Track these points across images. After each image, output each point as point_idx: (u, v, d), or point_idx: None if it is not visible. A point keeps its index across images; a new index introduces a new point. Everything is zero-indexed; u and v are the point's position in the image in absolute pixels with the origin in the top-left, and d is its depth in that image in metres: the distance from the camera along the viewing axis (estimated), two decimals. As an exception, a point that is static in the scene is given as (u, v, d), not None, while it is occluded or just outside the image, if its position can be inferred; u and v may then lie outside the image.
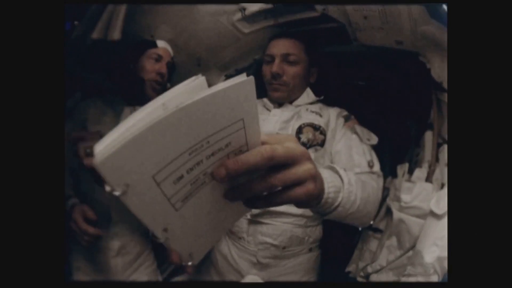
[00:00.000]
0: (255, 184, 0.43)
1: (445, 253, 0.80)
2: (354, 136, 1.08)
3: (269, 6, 1.13)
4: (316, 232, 1.14)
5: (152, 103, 0.36)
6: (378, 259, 1.04)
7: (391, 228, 1.05)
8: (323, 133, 1.09)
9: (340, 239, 1.24)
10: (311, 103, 1.19)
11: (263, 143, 0.44)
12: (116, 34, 0.99)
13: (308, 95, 1.21)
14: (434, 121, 1.05)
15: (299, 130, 1.09)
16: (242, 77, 0.37)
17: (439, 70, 0.97)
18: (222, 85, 0.36)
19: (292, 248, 1.10)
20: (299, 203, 0.49)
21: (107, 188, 0.33)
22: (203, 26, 1.25)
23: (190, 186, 0.40)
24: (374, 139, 1.08)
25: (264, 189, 0.43)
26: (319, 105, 1.20)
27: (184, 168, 0.38)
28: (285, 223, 1.08)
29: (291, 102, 1.19)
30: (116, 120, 1.14)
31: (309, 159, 0.46)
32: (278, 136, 0.45)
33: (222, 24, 1.25)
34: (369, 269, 1.05)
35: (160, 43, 1.18)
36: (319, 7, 1.05)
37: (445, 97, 0.98)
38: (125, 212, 1.08)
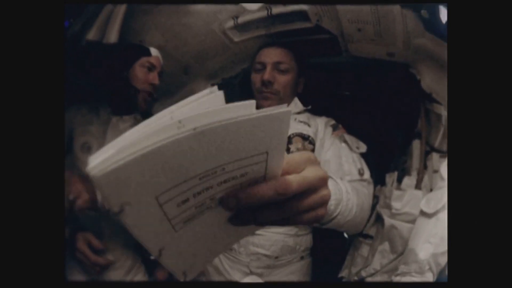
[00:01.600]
0: (267, 213, 0.40)
1: (438, 250, 0.81)
2: (343, 144, 1.11)
3: (263, 15, 1.13)
4: (307, 240, 1.15)
5: (162, 114, 0.33)
6: (371, 263, 1.06)
7: (382, 234, 1.07)
8: (312, 142, 1.11)
9: (330, 246, 1.25)
10: (299, 113, 1.21)
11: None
12: (113, 37, 0.96)
13: (296, 104, 1.22)
14: (422, 130, 1.10)
15: (288, 140, 1.10)
16: (280, 108, 0.34)
17: (429, 81, 1.02)
18: (255, 112, 0.33)
19: (284, 257, 1.11)
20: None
21: (106, 206, 0.31)
22: (193, 33, 1.23)
23: (194, 209, 0.37)
24: (363, 147, 1.11)
25: (276, 217, 0.41)
26: (307, 114, 1.21)
27: (191, 192, 0.35)
28: (276, 233, 1.08)
29: None
30: (103, 129, 1.11)
31: (325, 184, 0.44)
32: (298, 159, 0.42)
33: (213, 32, 1.23)
34: (363, 273, 1.07)
35: (154, 51, 1.15)
36: (313, 18, 1.08)
37: (434, 107, 1.03)
38: (116, 226, 1.05)
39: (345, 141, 1.11)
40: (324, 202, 0.44)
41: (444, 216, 0.83)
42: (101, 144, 1.08)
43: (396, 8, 0.92)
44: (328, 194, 0.44)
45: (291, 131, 1.11)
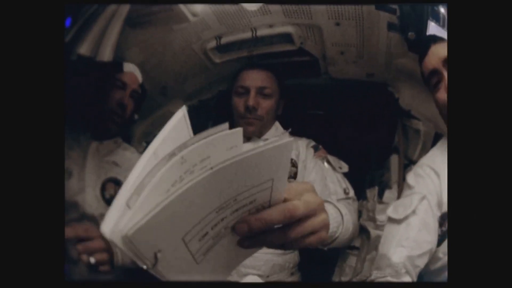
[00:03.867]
0: (274, 237, 0.44)
1: (414, 253, 0.82)
2: (326, 165, 1.15)
3: (248, 36, 1.14)
4: (295, 257, 1.17)
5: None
6: (362, 271, 1.09)
7: (369, 244, 1.11)
8: (295, 165, 1.13)
9: (316, 260, 1.25)
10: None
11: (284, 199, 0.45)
12: (107, 55, 0.89)
13: (277, 128, 1.23)
14: (400, 145, 1.17)
15: None
16: (283, 138, 0.38)
17: (408, 98, 1.09)
18: (262, 146, 0.36)
19: (275, 275, 1.12)
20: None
21: (141, 264, 0.34)
22: (174, 52, 1.21)
23: (211, 240, 0.41)
24: (345, 167, 1.16)
25: (282, 241, 0.44)
26: None
27: (210, 225, 0.39)
28: (265, 253, 1.08)
29: (259, 136, 1.19)
30: (83, 155, 1.05)
31: (323, 208, 0.48)
32: (297, 187, 0.47)
33: (193, 52, 1.22)
34: (355, 281, 1.08)
35: (127, 67, 1.10)
36: (297, 40, 1.12)
37: (412, 123, 1.11)
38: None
39: (328, 162, 1.15)
40: (325, 225, 0.48)
41: (415, 220, 0.84)
42: (81, 170, 1.04)
43: (383, 30, 0.98)
44: (327, 218, 0.48)
45: None
